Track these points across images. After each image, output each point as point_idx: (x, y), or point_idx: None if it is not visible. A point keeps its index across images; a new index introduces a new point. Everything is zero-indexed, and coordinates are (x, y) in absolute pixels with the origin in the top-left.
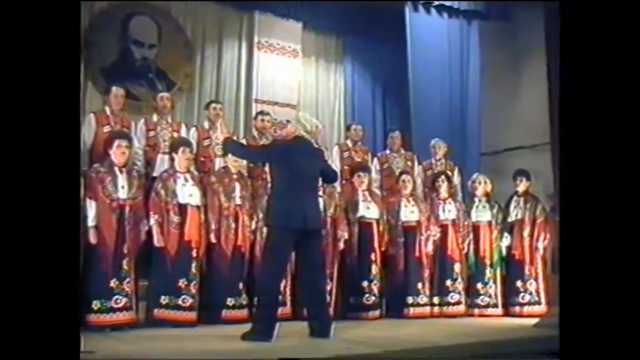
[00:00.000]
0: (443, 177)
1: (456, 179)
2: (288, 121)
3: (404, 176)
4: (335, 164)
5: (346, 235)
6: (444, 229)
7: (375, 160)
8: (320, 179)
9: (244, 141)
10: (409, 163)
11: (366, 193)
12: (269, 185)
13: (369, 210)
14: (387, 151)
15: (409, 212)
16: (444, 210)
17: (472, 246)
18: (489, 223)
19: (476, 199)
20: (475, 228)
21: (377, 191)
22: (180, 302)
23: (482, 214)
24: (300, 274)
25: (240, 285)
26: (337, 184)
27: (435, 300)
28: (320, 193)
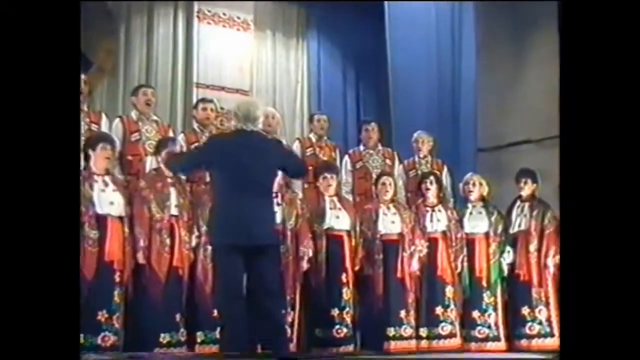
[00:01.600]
0: (431, 178)
1: (445, 181)
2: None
3: (382, 178)
4: None
5: (310, 252)
6: (432, 242)
7: (346, 158)
8: (276, 182)
9: (181, 139)
10: (388, 162)
11: (335, 199)
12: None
13: (338, 220)
14: (361, 147)
15: (389, 223)
16: (432, 220)
17: (466, 264)
18: (486, 234)
19: (470, 205)
20: (470, 241)
21: (349, 197)
22: (99, 340)
23: (477, 224)
24: (251, 301)
25: (178, 317)
26: (298, 189)
27: (423, 332)
28: (278, 200)
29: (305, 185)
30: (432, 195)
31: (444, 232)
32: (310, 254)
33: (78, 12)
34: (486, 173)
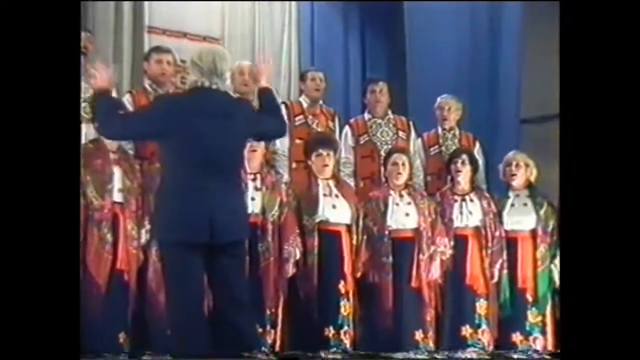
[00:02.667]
0: (463, 157)
1: (479, 161)
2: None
3: (394, 156)
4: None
5: (298, 253)
6: (460, 242)
7: (347, 129)
8: (255, 159)
9: (127, 100)
10: (402, 134)
11: (331, 183)
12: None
13: (335, 210)
14: (367, 115)
15: (402, 215)
16: (461, 212)
17: (505, 271)
18: (533, 233)
19: (512, 194)
20: (512, 241)
21: (350, 180)
22: None
23: (521, 218)
24: (215, 316)
25: (121, 337)
26: (284, 169)
27: (444, 358)
28: (257, 183)
29: (293, 165)
30: (463, 179)
31: (476, 229)
32: (298, 255)
33: (78, 12)
34: (532, 152)
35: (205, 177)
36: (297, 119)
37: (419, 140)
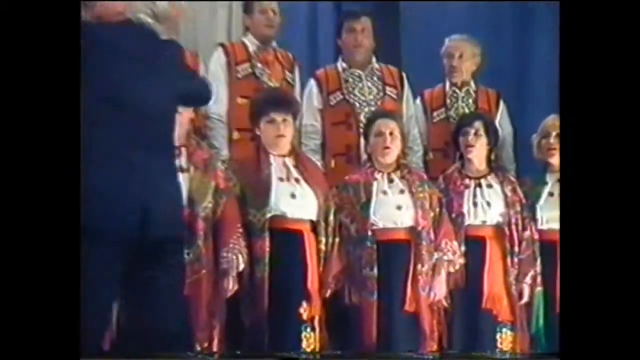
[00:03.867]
0: (478, 125)
1: (503, 130)
2: None
3: (379, 123)
4: (218, 92)
5: (242, 262)
6: (475, 246)
7: (313, 84)
8: (179, 126)
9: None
10: (391, 92)
11: (289, 162)
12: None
13: (295, 201)
14: (341, 64)
15: (392, 208)
16: (475, 203)
17: (539, 287)
18: None
19: (551, 178)
20: (548, 244)
21: (316, 158)
22: None
23: None
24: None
25: None
26: (220, 142)
27: None
28: (182, 161)
29: (235, 135)
30: (477, 156)
31: (497, 227)
32: (242, 265)
33: (78, 12)
34: None
35: (124, 152)
36: (239, 68)
37: (418, 100)
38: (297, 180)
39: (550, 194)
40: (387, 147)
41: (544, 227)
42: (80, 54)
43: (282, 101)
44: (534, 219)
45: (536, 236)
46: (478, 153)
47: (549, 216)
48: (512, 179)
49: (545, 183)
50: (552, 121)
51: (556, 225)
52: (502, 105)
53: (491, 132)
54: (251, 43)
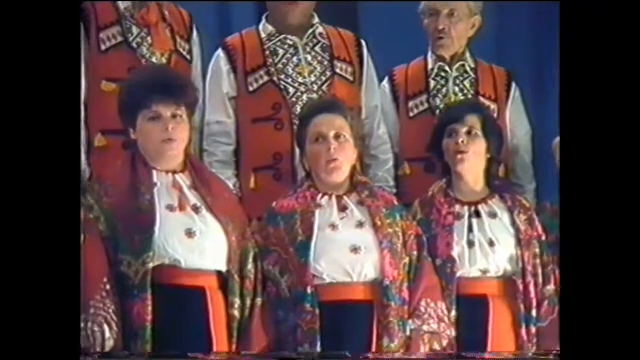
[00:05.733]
0: (471, 119)
1: (512, 125)
2: None
3: (321, 119)
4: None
5: (107, 332)
6: (472, 309)
7: (220, 56)
8: None
9: None
10: (342, 68)
11: (181, 179)
12: None
13: (193, 241)
14: (264, 28)
15: (345, 252)
16: (471, 244)
17: None
18: None
19: None
20: None
21: (225, 173)
22: None
23: None
24: None
25: None
26: (79, 149)
27: None
28: None
29: (98, 140)
30: (469, 169)
31: (505, 279)
32: (110, 340)
33: (78, 12)
34: None
35: None
36: (104, 34)
37: (385, 82)
38: (195, 209)
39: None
40: (333, 159)
41: None
42: (81, 54)
43: (170, 85)
44: (558, 264)
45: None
46: (472, 164)
47: None
48: (527, 204)
49: None
50: None
51: None
52: (514, 90)
53: (493, 131)
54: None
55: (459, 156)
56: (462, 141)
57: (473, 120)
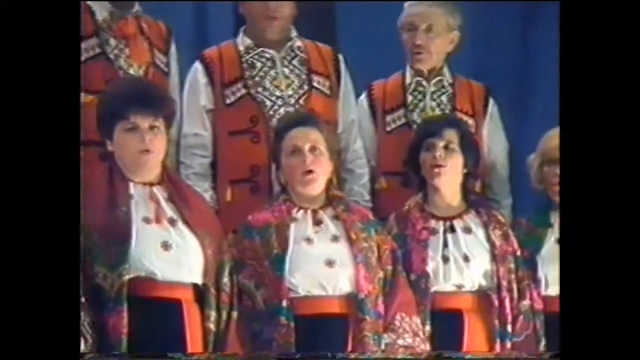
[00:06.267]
0: (449, 133)
1: (490, 139)
2: None
3: (297, 133)
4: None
5: (85, 350)
6: (448, 322)
7: (197, 68)
8: None
9: None
10: (320, 82)
11: (158, 191)
12: None
13: (169, 254)
14: (243, 41)
15: (320, 265)
16: (446, 259)
17: None
18: None
19: (557, 217)
20: (557, 318)
21: (201, 186)
22: None
23: None
24: None
25: None
26: None
27: None
28: None
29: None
30: (447, 183)
31: (481, 294)
32: (83, 348)
33: (78, 12)
34: None
35: None
36: (82, 45)
37: (363, 97)
38: (171, 221)
39: (559, 242)
40: (309, 172)
41: (550, 292)
42: (80, 54)
43: (148, 97)
44: (534, 279)
45: (539, 306)
46: (449, 179)
47: (556, 275)
48: (502, 219)
49: (550, 225)
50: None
51: None
52: (492, 106)
53: (470, 146)
54: (101, 8)
55: (436, 170)
56: (440, 155)
57: (451, 135)
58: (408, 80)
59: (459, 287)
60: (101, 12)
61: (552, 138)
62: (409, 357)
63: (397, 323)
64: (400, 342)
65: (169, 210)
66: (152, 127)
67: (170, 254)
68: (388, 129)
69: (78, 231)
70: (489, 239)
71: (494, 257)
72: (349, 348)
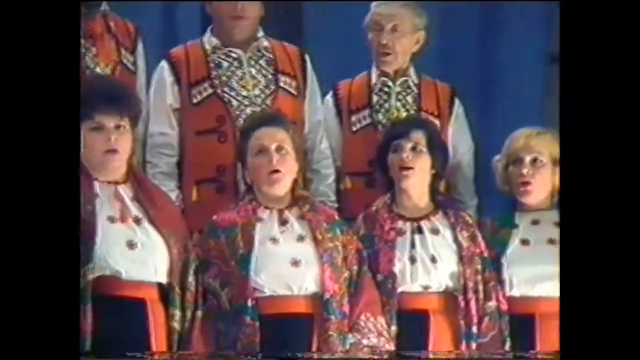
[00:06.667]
0: (417, 135)
1: (456, 142)
2: None
3: (262, 133)
4: None
5: None
6: (414, 323)
7: (164, 67)
8: None
9: None
10: (286, 82)
11: (123, 190)
12: None
13: (134, 253)
14: (209, 41)
15: (286, 265)
16: (413, 260)
17: None
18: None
19: (524, 219)
20: (525, 319)
21: (167, 185)
22: None
23: (545, 271)
24: None
25: None
26: None
27: None
28: None
29: None
30: (415, 185)
31: (447, 294)
32: None
33: (78, 12)
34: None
35: None
36: None
37: (329, 97)
38: (137, 220)
39: (524, 242)
40: (275, 171)
41: (515, 292)
42: (80, 54)
43: (114, 96)
44: (500, 280)
45: (504, 307)
46: (417, 180)
47: (521, 276)
48: (470, 220)
49: (515, 226)
50: (525, 139)
51: (532, 290)
52: (457, 107)
53: (438, 147)
54: None
55: (404, 172)
56: (407, 157)
57: (418, 136)
58: (374, 81)
59: (426, 287)
60: None
61: (517, 139)
62: (374, 357)
63: (362, 323)
64: (365, 342)
65: (134, 209)
66: (118, 127)
67: (135, 253)
68: (353, 128)
69: (78, 231)
70: (456, 240)
71: (461, 259)
72: (314, 348)
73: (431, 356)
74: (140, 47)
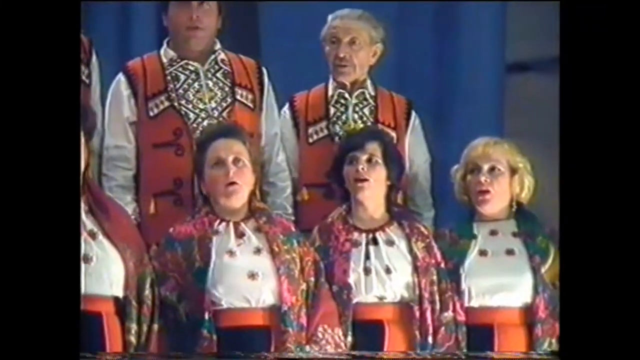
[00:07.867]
0: (372, 146)
1: (412, 153)
2: None
3: (219, 145)
4: None
5: None
6: (369, 333)
7: (120, 80)
8: None
9: None
10: (242, 95)
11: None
12: None
13: (89, 266)
14: (166, 53)
15: (242, 278)
16: (367, 271)
17: None
18: (527, 313)
19: (482, 230)
20: (483, 330)
21: (124, 198)
22: None
23: (503, 282)
24: None
25: None
26: None
27: None
28: None
29: None
30: (370, 197)
31: (402, 305)
32: None
33: (78, 12)
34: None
35: None
36: None
37: (286, 109)
38: (92, 234)
39: (482, 253)
40: (232, 183)
41: (474, 303)
42: (80, 54)
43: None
44: (457, 291)
45: (461, 318)
46: (372, 192)
47: (479, 287)
48: (425, 231)
49: (473, 237)
50: (483, 148)
51: (491, 300)
52: (414, 119)
53: (393, 159)
54: None
55: (359, 184)
56: (363, 169)
57: (374, 148)
58: (330, 93)
59: (381, 298)
60: None
61: (475, 147)
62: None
63: (320, 335)
64: (320, 354)
65: (89, 223)
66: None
67: (90, 267)
68: (310, 140)
69: (78, 230)
70: (411, 251)
71: (416, 269)
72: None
73: (384, 356)
74: (94, 59)
